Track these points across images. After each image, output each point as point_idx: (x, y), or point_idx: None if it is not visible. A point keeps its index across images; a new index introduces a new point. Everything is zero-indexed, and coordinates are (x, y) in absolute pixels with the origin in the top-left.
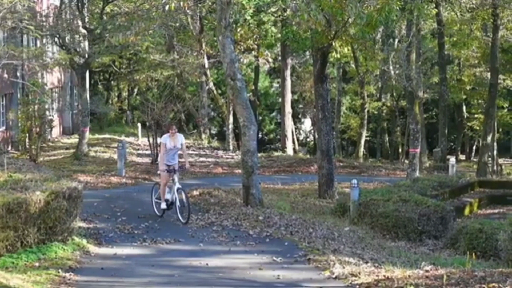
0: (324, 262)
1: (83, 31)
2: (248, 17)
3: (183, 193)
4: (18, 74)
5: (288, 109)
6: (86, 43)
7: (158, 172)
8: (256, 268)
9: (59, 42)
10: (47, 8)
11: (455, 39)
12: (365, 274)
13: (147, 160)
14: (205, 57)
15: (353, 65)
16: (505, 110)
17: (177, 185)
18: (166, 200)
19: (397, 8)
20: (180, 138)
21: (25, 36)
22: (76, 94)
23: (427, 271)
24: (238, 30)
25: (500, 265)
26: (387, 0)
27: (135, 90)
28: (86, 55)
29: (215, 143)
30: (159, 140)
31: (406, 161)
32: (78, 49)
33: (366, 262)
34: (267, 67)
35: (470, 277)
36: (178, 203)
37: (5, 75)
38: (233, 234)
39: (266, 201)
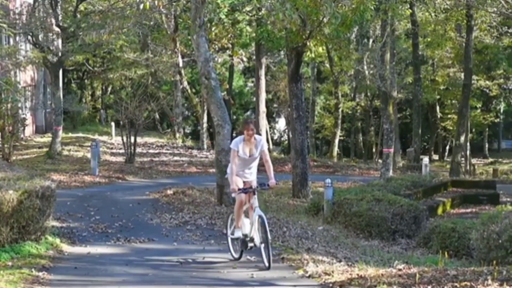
0: (298, 261)
1: (57, 29)
2: (223, 16)
3: (265, 224)
4: None
5: (262, 108)
6: (60, 41)
7: (232, 194)
8: (230, 267)
9: (33, 40)
10: (20, 6)
11: (429, 39)
12: (339, 272)
13: (121, 159)
14: (180, 56)
15: (327, 65)
16: (478, 110)
17: (258, 212)
18: (245, 236)
19: (372, 8)
20: (260, 143)
21: None
22: (49, 92)
23: (400, 269)
24: (213, 29)
25: (473, 264)
26: (361, 0)
27: (109, 88)
28: (60, 54)
29: (189, 142)
30: (132, 139)
31: (380, 160)
32: (51, 48)
33: (340, 261)
34: (241, 66)
35: (443, 276)
36: (258, 237)
37: None
38: (207, 233)
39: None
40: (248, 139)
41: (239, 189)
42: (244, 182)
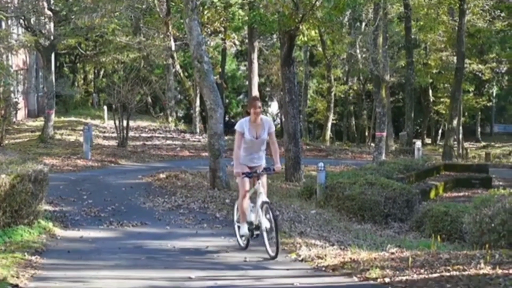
0: (291, 245)
1: (49, 12)
2: (215, 0)
3: (270, 210)
4: None
5: (255, 92)
6: (52, 25)
7: (235, 176)
8: (223, 251)
9: (24, 24)
10: None
11: (421, 23)
12: (331, 256)
13: (113, 143)
14: (172, 39)
15: (320, 49)
16: (471, 94)
17: (263, 198)
18: (249, 224)
19: None
20: (267, 124)
21: None
22: (41, 76)
23: (392, 253)
24: (205, 12)
25: (465, 247)
26: None
27: (101, 72)
28: (52, 37)
29: (182, 126)
30: (125, 123)
31: (373, 144)
32: (43, 31)
33: (333, 245)
34: (234, 50)
35: (435, 259)
36: (264, 225)
37: None
38: (200, 217)
39: (233, 183)
40: (254, 118)
41: (242, 173)
42: (251, 167)
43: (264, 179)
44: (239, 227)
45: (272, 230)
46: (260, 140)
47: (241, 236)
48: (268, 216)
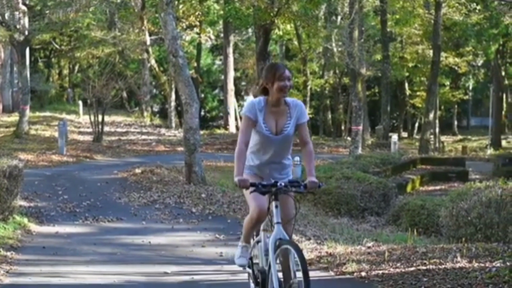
0: None
1: (23, 7)
2: None
3: (294, 256)
4: None
5: (230, 86)
6: (26, 19)
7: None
8: (199, 246)
9: None
10: None
11: (397, 16)
12: (308, 250)
13: (88, 138)
14: (147, 34)
15: (295, 42)
16: (447, 87)
17: (280, 233)
18: (260, 271)
19: None
20: (297, 110)
21: None
22: (16, 71)
23: (369, 247)
24: (180, 6)
25: (442, 241)
26: None
27: (76, 67)
28: (26, 32)
29: (157, 121)
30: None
31: (349, 138)
32: (18, 26)
33: (309, 239)
34: (209, 44)
35: (412, 253)
36: (274, 277)
37: None
38: (175, 212)
39: (209, 178)
40: (277, 99)
41: (252, 184)
42: (265, 178)
43: (288, 200)
44: (242, 247)
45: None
46: (282, 138)
47: (239, 265)
48: (291, 265)
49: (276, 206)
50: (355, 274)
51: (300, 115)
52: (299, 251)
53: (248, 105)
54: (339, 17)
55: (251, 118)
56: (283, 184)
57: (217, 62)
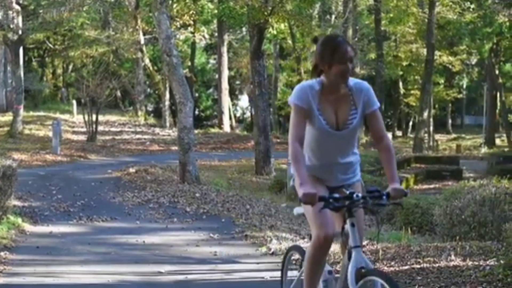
0: (261, 238)
1: (17, 7)
2: None
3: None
4: None
5: (225, 85)
6: (20, 19)
7: (297, 209)
8: (193, 245)
9: None
10: None
11: (391, 15)
12: None
13: (82, 137)
14: (141, 33)
15: (290, 41)
16: (441, 86)
17: (361, 261)
18: None
19: None
20: (362, 95)
21: None
22: (9, 71)
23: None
24: (174, 6)
25: (436, 239)
26: None
27: (70, 66)
28: (20, 32)
29: (151, 120)
30: (94, 117)
31: None
32: (11, 26)
33: (303, 238)
34: (203, 43)
35: (406, 252)
36: None
37: None
38: (170, 211)
39: (203, 178)
40: (336, 83)
41: (321, 199)
42: (333, 187)
43: (361, 215)
44: None
45: None
46: (347, 133)
47: None
48: None
49: (353, 225)
50: None
51: (368, 100)
52: (392, 282)
53: (298, 91)
54: (333, 16)
55: (303, 108)
56: (360, 195)
57: (211, 61)
